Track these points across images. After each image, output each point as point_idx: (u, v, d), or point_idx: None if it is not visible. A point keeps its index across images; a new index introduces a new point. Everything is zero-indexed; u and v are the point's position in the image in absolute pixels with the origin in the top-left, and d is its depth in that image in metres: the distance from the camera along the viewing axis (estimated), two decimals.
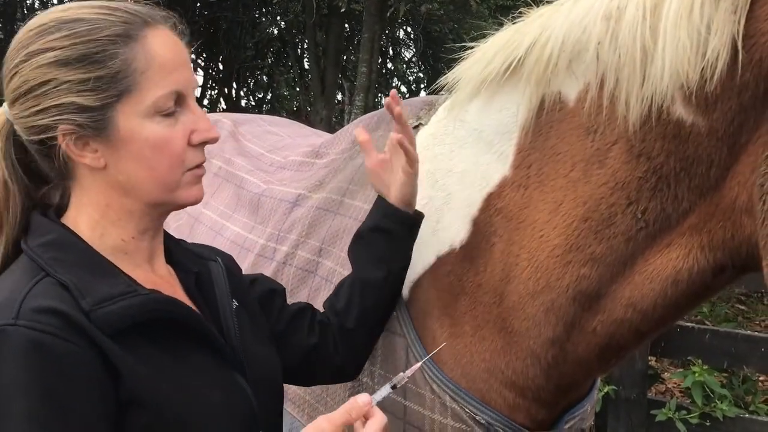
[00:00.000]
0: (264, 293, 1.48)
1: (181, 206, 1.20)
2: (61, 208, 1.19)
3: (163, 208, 1.20)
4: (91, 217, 1.15)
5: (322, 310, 1.58)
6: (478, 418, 1.53)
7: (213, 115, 3.01)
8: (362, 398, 1.16)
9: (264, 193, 2.21)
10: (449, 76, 1.64)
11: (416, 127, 1.78)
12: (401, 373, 1.27)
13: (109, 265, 1.13)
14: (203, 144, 1.17)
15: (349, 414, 1.13)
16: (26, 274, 1.07)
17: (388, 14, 7.03)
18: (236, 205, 2.31)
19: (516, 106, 1.52)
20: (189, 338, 1.17)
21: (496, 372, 1.54)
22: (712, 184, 1.24)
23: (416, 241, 1.62)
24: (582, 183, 1.38)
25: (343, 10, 6.59)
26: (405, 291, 1.64)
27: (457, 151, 1.65)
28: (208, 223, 2.38)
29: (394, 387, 1.26)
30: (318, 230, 1.89)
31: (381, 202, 1.56)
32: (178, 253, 1.32)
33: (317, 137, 2.63)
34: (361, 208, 1.79)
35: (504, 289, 1.51)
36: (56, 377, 0.99)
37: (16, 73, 1.10)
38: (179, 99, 1.13)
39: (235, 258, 1.57)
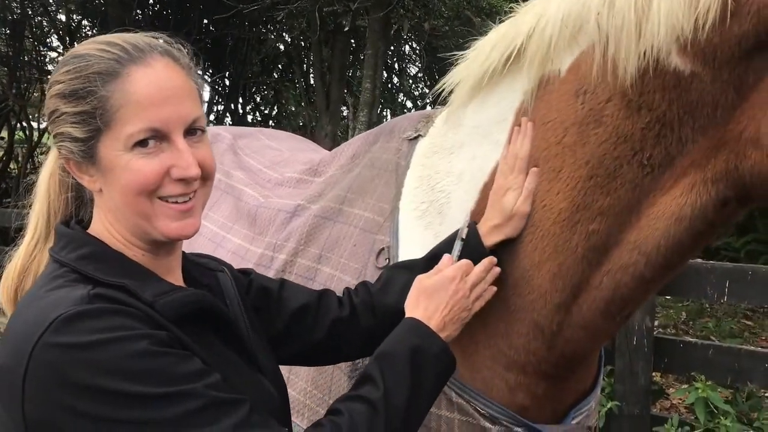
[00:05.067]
0: (258, 293, 1.51)
1: (165, 237, 1.20)
2: (81, 222, 1.29)
3: (150, 237, 1.21)
4: (101, 234, 1.23)
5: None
6: (483, 412, 1.57)
7: (213, 128, 3.04)
8: (444, 259, 1.48)
9: (261, 205, 2.26)
10: (448, 78, 1.71)
11: (415, 139, 1.85)
12: (463, 226, 1.53)
13: (148, 271, 1.21)
14: (183, 180, 1.18)
15: (439, 267, 1.45)
16: (77, 283, 1.13)
17: (392, 31, 7.08)
18: (237, 217, 2.36)
19: (514, 93, 1.58)
20: (224, 338, 1.26)
21: (498, 356, 1.59)
22: (717, 123, 1.30)
23: (423, 244, 1.67)
24: (580, 146, 1.44)
25: (347, 28, 6.63)
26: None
27: (456, 152, 1.72)
28: (208, 234, 2.43)
29: (462, 240, 1.51)
30: (317, 238, 1.94)
31: (478, 241, 1.55)
32: (188, 267, 1.37)
33: (314, 153, 2.67)
34: (360, 215, 1.85)
35: (505, 271, 1.55)
36: (150, 334, 1.08)
37: (46, 99, 1.22)
38: (160, 135, 1.16)
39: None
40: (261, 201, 2.29)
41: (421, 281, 1.44)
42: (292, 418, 1.80)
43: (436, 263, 1.53)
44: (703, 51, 1.28)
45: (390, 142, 1.90)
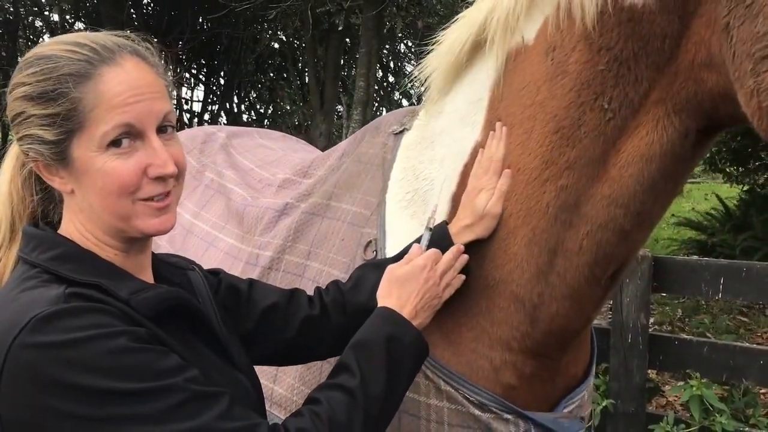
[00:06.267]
0: (227, 293, 1.50)
1: (143, 234, 1.21)
2: (51, 223, 1.26)
3: (125, 235, 1.21)
4: (73, 234, 1.21)
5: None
6: (471, 398, 1.56)
7: (207, 127, 3.03)
8: (414, 249, 1.49)
9: (249, 204, 2.25)
10: (422, 70, 1.74)
11: (401, 132, 1.86)
12: (430, 215, 1.55)
13: (121, 270, 1.20)
14: (160, 178, 1.18)
15: (410, 257, 1.46)
16: (51, 283, 1.10)
17: (386, 30, 7.07)
18: (228, 217, 2.34)
19: (486, 71, 1.61)
20: (199, 335, 1.26)
21: (481, 336, 1.58)
22: (667, 56, 1.36)
23: (410, 233, 1.68)
24: (549, 100, 1.47)
25: (340, 28, 6.62)
26: None
27: (437, 140, 1.74)
28: (200, 234, 2.41)
29: (430, 229, 1.53)
30: (306, 234, 1.94)
31: (448, 243, 1.55)
32: (158, 266, 1.36)
33: (307, 153, 2.66)
34: (348, 210, 1.85)
35: (483, 245, 1.57)
36: (126, 330, 1.07)
37: (8, 101, 1.19)
38: (135, 133, 1.15)
39: (228, 268, 1.61)
40: (249, 200, 2.28)
41: (392, 271, 1.46)
42: (280, 416, 1.79)
43: None
44: None
45: (376, 137, 1.90)
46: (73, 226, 1.21)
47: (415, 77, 1.78)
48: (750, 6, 1.21)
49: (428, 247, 1.51)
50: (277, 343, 1.51)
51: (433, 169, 1.71)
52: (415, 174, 1.75)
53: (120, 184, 1.14)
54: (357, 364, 1.28)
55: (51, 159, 1.16)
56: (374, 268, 1.58)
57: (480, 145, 1.61)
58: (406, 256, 1.50)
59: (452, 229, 1.57)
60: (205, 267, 2.13)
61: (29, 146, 1.17)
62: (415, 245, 1.52)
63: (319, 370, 1.75)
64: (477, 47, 1.63)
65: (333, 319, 1.54)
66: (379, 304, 1.42)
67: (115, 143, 1.13)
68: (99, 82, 1.13)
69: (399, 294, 1.42)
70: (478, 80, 1.64)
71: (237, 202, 2.32)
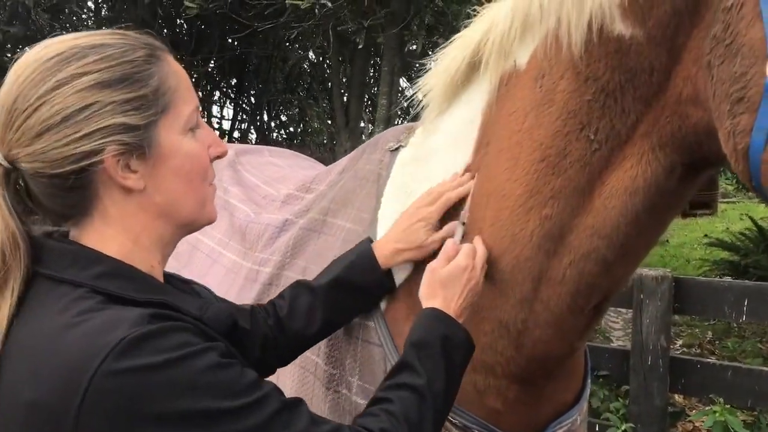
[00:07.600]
0: None
1: (203, 225, 1.23)
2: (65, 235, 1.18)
3: (190, 228, 1.22)
4: (122, 245, 1.12)
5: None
6: (454, 421, 1.55)
7: None
8: (449, 245, 1.50)
9: (252, 221, 2.26)
10: (419, 88, 1.75)
11: (397, 149, 1.85)
12: (465, 210, 1.58)
13: (162, 285, 1.16)
14: (214, 159, 1.21)
15: (448, 254, 1.47)
16: (109, 303, 1.02)
17: (406, 49, 7.09)
18: (232, 233, 2.35)
19: (480, 93, 1.61)
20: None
21: None
22: (655, 90, 1.33)
23: None
24: (536, 128, 1.45)
25: (360, 46, 6.65)
26: (382, 302, 1.67)
27: (431, 159, 1.73)
28: (206, 250, 2.43)
29: (463, 224, 1.58)
30: (303, 250, 1.93)
31: (376, 267, 1.60)
32: (168, 280, 1.31)
33: (314, 171, 2.66)
34: (342, 226, 1.84)
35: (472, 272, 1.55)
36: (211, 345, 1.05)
37: (43, 103, 1.04)
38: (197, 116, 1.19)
39: (229, 284, 1.59)
40: (252, 216, 2.29)
41: (435, 272, 1.47)
42: None
43: (341, 289, 1.58)
44: (641, 11, 1.31)
45: (374, 154, 1.90)
46: (115, 241, 1.11)
47: (414, 95, 1.77)
48: (729, 46, 1.18)
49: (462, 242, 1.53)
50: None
51: (424, 188, 1.70)
52: (407, 192, 1.73)
53: (204, 165, 1.16)
54: (420, 364, 1.31)
55: (136, 147, 1.08)
56: (306, 292, 1.58)
57: (469, 168, 1.61)
58: (442, 251, 1.50)
59: (383, 250, 1.60)
60: (210, 283, 2.13)
61: (104, 140, 1.05)
62: (450, 241, 1.53)
63: (311, 387, 1.73)
64: (473, 68, 1.62)
65: (279, 341, 1.53)
66: (424, 305, 1.45)
67: (192, 124, 1.15)
68: (169, 63, 1.14)
69: (444, 295, 1.44)
70: (473, 101, 1.63)
71: (240, 218, 2.33)
